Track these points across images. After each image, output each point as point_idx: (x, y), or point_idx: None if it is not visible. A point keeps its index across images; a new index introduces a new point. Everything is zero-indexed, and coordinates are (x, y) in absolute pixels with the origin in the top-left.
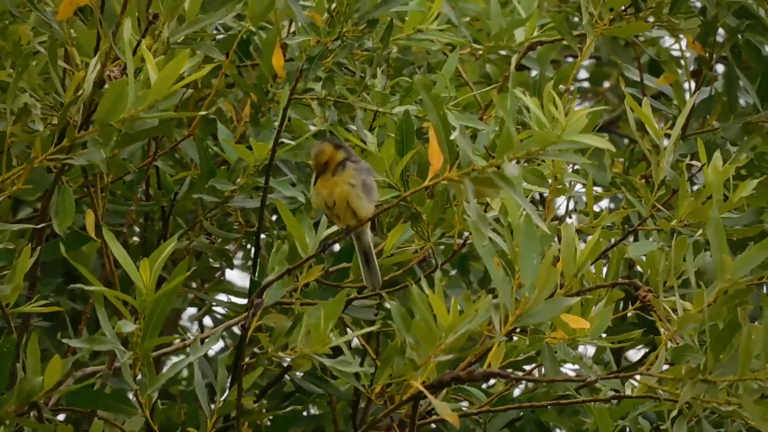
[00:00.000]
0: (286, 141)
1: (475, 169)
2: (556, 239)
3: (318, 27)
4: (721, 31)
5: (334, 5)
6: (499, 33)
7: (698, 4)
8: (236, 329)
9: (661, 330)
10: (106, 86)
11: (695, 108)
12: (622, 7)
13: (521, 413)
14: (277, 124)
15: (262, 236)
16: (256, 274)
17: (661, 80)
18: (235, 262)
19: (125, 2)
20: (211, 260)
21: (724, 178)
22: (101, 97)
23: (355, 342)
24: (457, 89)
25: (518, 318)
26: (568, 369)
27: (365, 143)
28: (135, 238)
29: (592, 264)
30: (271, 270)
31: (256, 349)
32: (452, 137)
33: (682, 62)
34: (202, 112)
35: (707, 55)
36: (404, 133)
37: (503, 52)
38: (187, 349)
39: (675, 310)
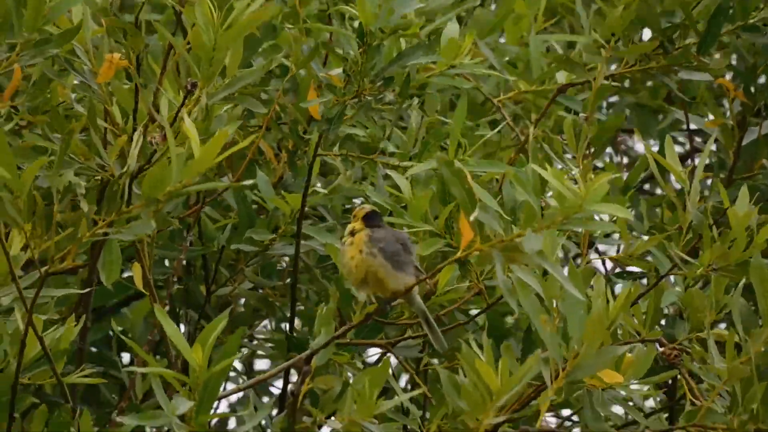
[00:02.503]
0: (318, 189)
1: (503, 241)
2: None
3: (335, 87)
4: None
5: (349, 65)
6: (540, 75)
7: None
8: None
9: (686, 387)
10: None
11: (742, 150)
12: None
13: None
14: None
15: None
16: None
17: (708, 123)
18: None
19: (162, 71)
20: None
21: (746, 221)
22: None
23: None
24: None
25: (569, 373)
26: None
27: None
28: (176, 286)
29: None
30: (318, 333)
31: (304, 417)
32: (472, 218)
33: (726, 104)
34: (248, 182)
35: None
36: (446, 183)
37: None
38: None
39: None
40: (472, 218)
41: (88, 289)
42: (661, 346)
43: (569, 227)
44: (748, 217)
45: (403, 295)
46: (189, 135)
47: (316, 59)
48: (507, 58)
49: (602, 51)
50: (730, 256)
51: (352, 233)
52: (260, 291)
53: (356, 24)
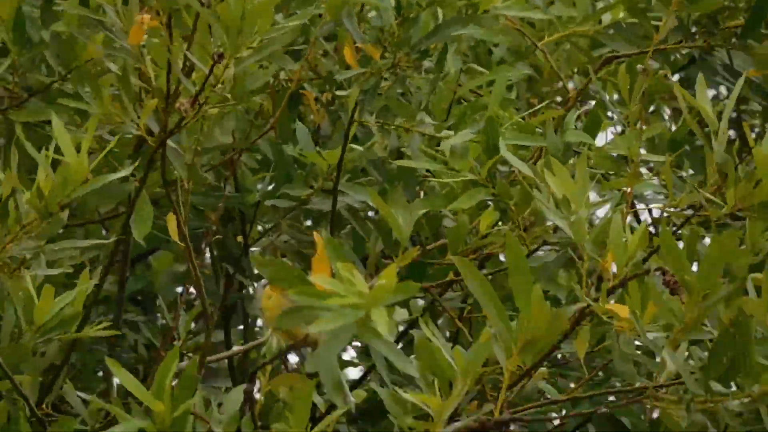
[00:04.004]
0: (354, 146)
1: None
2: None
3: (370, 59)
4: None
5: (385, 36)
6: (586, 17)
7: None
8: None
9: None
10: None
11: None
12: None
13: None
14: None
15: None
16: None
17: (752, 72)
18: None
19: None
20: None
21: None
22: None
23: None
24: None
25: (522, 349)
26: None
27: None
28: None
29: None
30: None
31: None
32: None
33: None
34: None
35: None
36: (489, 137)
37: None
38: None
39: None
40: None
41: (113, 239)
42: (663, 274)
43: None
44: None
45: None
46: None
47: (353, 20)
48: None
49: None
50: (755, 196)
51: None
52: (297, 244)
53: None
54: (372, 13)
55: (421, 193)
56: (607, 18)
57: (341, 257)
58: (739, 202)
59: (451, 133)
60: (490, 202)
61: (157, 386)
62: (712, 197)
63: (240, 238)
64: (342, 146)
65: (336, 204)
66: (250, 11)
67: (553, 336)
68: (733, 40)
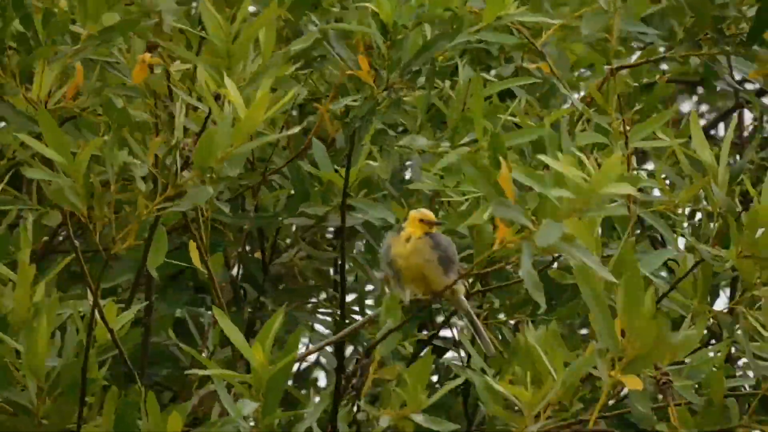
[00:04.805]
0: (370, 163)
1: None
2: None
3: (364, 84)
4: None
5: (374, 60)
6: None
7: None
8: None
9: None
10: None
11: None
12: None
13: None
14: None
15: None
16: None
17: (752, 73)
18: None
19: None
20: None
21: None
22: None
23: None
24: None
25: (624, 366)
26: None
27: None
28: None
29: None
30: (383, 324)
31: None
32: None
33: None
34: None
35: None
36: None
37: None
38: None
39: None
40: (486, 216)
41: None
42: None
43: (591, 214)
44: None
45: (445, 293)
46: (231, 98)
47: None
48: None
49: None
50: (759, 246)
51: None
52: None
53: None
54: None
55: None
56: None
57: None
58: (744, 251)
59: (447, 150)
60: None
61: (261, 340)
62: (716, 252)
63: (259, 254)
64: (345, 167)
65: (345, 220)
66: (234, 48)
67: (659, 356)
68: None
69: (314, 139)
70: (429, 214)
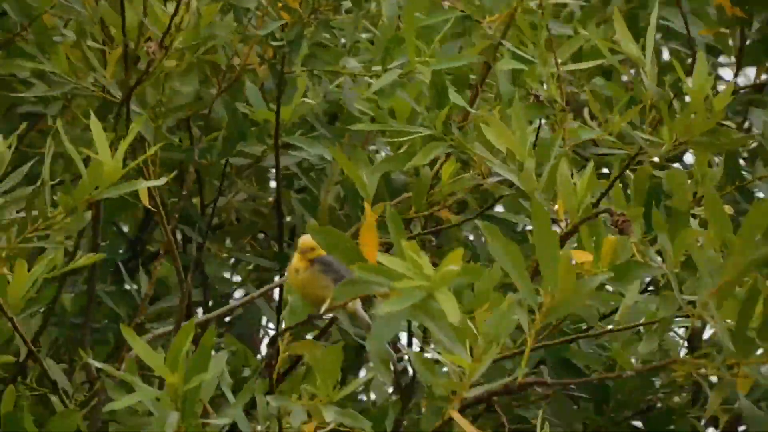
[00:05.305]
0: (306, 100)
1: None
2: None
3: (291, 9)
4: None
5: None
6: None
7: None
8: None
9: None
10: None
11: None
12: None
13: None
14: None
15: None
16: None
17: (702, 31)
18: None
19: None
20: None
21: (705, 90)
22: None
23: None
24: None
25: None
26: None
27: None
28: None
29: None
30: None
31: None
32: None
33: None
34: None
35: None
36: (438, 89)
37: None
38: None
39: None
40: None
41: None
42: (610, 215)
43: None
44: (707, 84)
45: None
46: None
47: None
48: None
49: None
50: (693, 128)
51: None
52: (254, 203)
53: None
54: None
55: None
56: None
57: (401, 233)
58: (680, 136)
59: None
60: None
61: (172, 358)
62: (649, 137)
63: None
64: (277, 98)
65: (279, 161)
66: None
67: (577, 303)
68: None
69: (247, 81)
70: (306, 242)
